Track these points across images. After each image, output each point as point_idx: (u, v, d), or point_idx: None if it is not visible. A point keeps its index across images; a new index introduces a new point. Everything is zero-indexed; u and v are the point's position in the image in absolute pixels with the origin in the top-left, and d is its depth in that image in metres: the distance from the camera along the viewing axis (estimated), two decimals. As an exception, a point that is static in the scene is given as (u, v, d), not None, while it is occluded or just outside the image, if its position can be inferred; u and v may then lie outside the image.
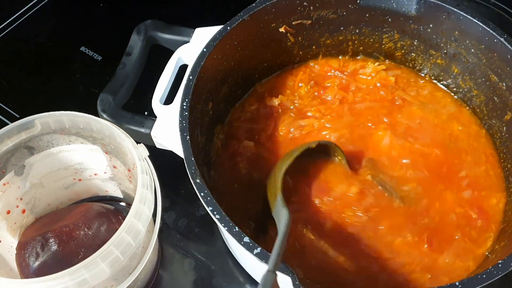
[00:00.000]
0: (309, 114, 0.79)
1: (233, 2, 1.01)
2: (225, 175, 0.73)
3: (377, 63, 0.84)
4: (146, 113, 0.84)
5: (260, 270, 0.62)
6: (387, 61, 0.85)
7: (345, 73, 0.83)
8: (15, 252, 0.67)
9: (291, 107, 0.79)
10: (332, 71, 0.84)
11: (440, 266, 0.66)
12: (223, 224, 0.56)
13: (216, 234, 0.78)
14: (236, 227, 0.56)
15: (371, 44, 0.83)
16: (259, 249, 0.54)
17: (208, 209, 0.57)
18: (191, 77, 0.67)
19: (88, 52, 0.99)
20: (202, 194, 0.58)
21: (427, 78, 0.83)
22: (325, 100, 0.80)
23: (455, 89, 0.81)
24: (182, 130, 0.63)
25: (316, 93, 0.81)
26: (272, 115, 0.79)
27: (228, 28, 0.71)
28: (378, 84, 0.82)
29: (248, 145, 0.75)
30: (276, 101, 0.79)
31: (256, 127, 0.78)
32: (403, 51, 0.83)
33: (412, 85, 0.83)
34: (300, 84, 0.82)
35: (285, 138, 0.77)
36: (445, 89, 0.82)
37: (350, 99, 0.80)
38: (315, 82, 0.82)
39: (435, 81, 0.83)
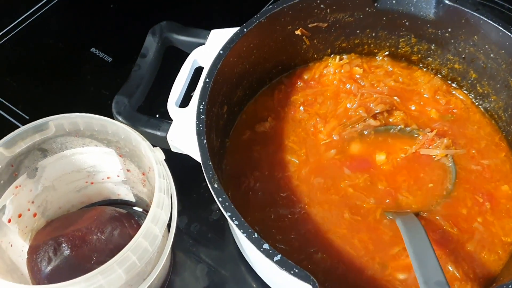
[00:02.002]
0: (290, 144, 0.75)
1: (247, 4, 1.01)
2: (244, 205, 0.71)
3: (338, 57, 0.83)
4: (157, 115, 0.83)
5: (277, 277, 0.62)
6: (345, 56, 0.84)
7: (311, 82, 0.82)
8: (26, 256, 0.66)
9: (276, 133, 0.77)
10: (299, 82, 0.82)
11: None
12: (242, 231, 0.55)
13: (228, 239, 0.77)
14: (255, 234, 0.55)
15: (387, 48, 0.83)
16: (279, 256, 0.53)
17: (227, 215, 0.56)
18: (207, 80, 0.66)
19: (99, 53, 0.98)
20: (220, 199, 0.57)
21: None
22: (298, 122, 0.78)
23: (472, 94, 0.80)
24: (199, 134, 0.62)
25: (292, 112, 0.79)
26: (266, 141, 0.76)
27: (245, 30, 0.70)
28: (344, 79, 0.81)
29: (259, 177, 0.72)
30: (267, 125, 0.77)
31: (257, 155, 0.75)
32: (419, 55, 0.82)
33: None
34: (278, 107, 0.79)
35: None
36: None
37: (318, 111, 0.78)
38: (288, 102, 0.80)
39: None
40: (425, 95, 0.80)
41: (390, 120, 0.76)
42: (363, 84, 0.80)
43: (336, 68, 0.82)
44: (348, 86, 0.80)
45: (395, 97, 0.78)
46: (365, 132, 0.75)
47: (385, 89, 0.79)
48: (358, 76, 0.81)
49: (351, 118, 0.76)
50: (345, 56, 0.83)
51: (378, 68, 0.83)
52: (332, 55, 0.84)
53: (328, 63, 0.83)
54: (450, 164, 0.72)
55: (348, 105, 0.77)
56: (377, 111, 0.76)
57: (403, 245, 0.65)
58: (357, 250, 0.66)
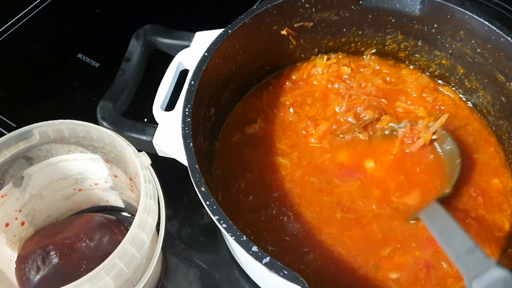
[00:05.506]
0: (281, 146, 0.75)
1: (232, 6, 1.01)
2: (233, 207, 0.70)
3: (325, 57, 0.83)
4: (145, 120, 0.82)
5: (268, 279, 0.61)
6: (332, 56, 0.83)
7: (300, 82, 0.82)
8: (15, 265, 0.65)
9: (266, 135, 0.76)
10: (287, 83, 0.82)
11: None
12: (230, 233, 0.54)
13: (220, 242, 0.76)
14: (244, 236, 0.54)
15: (374, 46, 0.82)
16: (268, 259, 0.53)
17: (214, 218, 0.56)
18: (192, 82, 0.65)
19: (85, 59, 0.98)
20: (207, 202, 0.56)
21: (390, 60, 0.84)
22: (288, 125, 0.77)
23: (460, 89, 0.79)
24: (185, 137, 0.61)
25: (282, 114, 0.78)
26: (256, 143, 0.75)
27: (230, 31, 0.70)
28: (333, 79, 0.81)
29: (249, 179, 0.72)
30: (256, 126, 0.76)
31: (246, 157, 0.74)
32: (407, 52, 0.81)
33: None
34: (267, 108, 0.79)
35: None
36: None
37: (307, 114, 0.78)
38: (277, 103, 0.79)
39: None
40: (413, 95, 0.80)
41: (377, 126, 0.76)
42: (352, 85, 0.80)
43: (324, 67, 0.82)
44: (336, 85, 0.80)
45: (383, 99, 0.78)
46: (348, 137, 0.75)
47: (373, 89, 0.79)
48: (346, 76, 0.81)
49: (341, 125, 0.76)
50: (332, 56, 0.83)
51: (365, 67, 0.83)
52: (319, 55, 0.83)
53: (316, 63, 0.83)
54: (449, 139, 0.71)
55: (337, 108, 0.77)
56: (365, 118, 0.75)
57: (394, 245, 0.66)
58: (349, 250, 0.66)
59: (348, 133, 0.74)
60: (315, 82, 0.81)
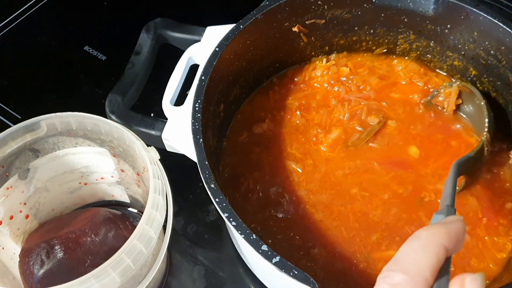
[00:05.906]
0: (292, 151, 0.73)
1: (241, 1, 1.00)
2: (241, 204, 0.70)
3: (325, 59, 0.81)
4: (152, 114, 0.81)
5: (275, 277, 0.61)
6: (332, 56, 0.82)
7: (301, 84, 0.80)
8: (18, 259, 0.64)
9: (275, 136, 0.75)
10: (290, 84, 0.80)
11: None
12: (239, 232, 0.53)
13: (225, 240, 0.75)
14: (253, 235, 0.53)
15: (385, 45, 0.81)
16: (278, 258, 0.52)
17: (224, 216, 0.55)
18: (203, 77, 0.64)
19: (92, 52, 0.96)
20: (217, 200, 0.55)
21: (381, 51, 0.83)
22: (297, 127, 0.76)
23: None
24: (195, 132, 0.60)
25: (288, 116, 0.77)
26: (265, 143, 0.74)
27: (241, 26, 0.69)
28: (332, 82, 0.79)
29: (259, 178, 0.71)
30: (264, 126, 0.75)
31: (255, 157, 0.73)
32: (418, 52, 0.80)
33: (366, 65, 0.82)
34: (274, 109, 0.78)
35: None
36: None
37: (314, 119, 0.76)
38: (284, 104, 0.78)
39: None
40: (402, 82, 0.80)
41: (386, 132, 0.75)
42: (350, 87, 0.79)
43: (323, 70, 0.80)
44: (335, 88, 0.79)
45: (384, 103, 0.77)
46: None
47: (371, 93, 0.78)
48: (344, 79, 0.80)
49: (348, 134, 0.74)
50: (332, 56, 0.82)
51: (362, 66, 0.81)
52: (319, 56, 0.82)
53: (316, 65, 0.81)
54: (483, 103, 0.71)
55: (341, 117, 0.76)
56: (371, 123, 0.75)
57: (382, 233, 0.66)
58: (349, 230, 0.66)
59: (359, 144, 0.73)
60: (316, 84, 0.80)
